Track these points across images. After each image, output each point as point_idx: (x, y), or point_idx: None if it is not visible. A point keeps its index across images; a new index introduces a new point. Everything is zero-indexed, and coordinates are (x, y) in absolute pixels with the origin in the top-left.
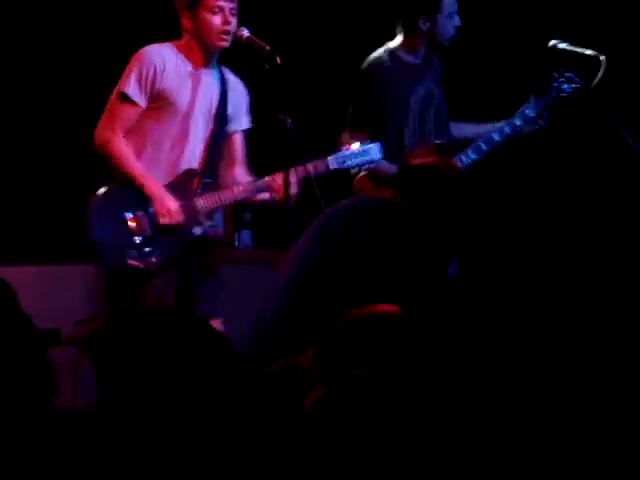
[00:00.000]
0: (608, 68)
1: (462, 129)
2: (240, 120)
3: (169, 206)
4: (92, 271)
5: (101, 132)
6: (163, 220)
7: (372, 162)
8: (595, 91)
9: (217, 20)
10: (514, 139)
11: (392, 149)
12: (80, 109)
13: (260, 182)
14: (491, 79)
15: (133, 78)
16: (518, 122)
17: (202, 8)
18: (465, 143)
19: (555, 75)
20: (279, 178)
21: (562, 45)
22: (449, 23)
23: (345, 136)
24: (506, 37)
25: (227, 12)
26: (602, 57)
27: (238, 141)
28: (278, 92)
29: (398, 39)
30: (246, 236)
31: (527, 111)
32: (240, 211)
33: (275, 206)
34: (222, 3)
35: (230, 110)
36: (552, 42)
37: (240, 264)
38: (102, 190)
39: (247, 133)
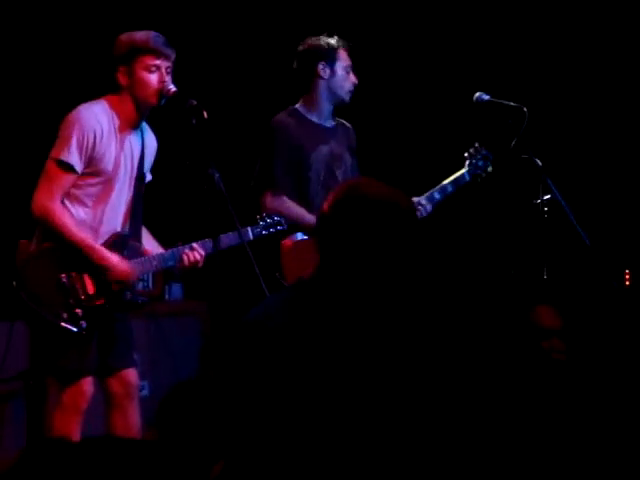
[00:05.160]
0: (531, 118)
1: None
2: (148, 174)
3: (115, 263)
4: (18, 328)
5: (41, 201)
6: (113, 277)
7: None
8: (519, 141)
9: (153, 79)
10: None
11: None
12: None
13: (177, 250)
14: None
15: (74, 145)
16: (437, 196)
17: (139, 66)
18: None
19: (471, 151)
20: (192, 253)
21: (486, 97)
22: (346, 76)
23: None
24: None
25: (163, 71)
26: (525, 109)
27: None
28: (205, 146)
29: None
30: (177, 289)
31: (448, 188)
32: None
33: (176, 272)
34: (159, 62)
35: (145, 167)
36: (476, 95)
37: (171, 317)
38: (37, 249)
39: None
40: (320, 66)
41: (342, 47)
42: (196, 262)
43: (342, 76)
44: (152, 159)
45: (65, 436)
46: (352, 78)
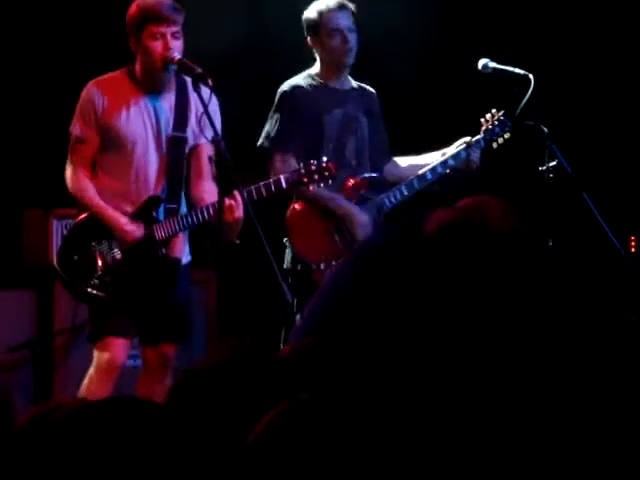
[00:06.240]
0: (537, 85)
1: (398, 168)
2: (203, 132)
3: (124, 227)
4: (28, 296)
5: (66, 176)
6: (123, 241)
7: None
8: (526, 108)
9: (158, 46)
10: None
11: None
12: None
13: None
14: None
15: (77, 118)
16: (451, 162)
17: (144, 35)
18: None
19: (487, 117)
20: (230, 200)
21: (492, 65)
22: (334, 40)
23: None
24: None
25: (168, 37)
26: (531, 75)
27: (201, 154)
28: (210, 114)
29: (316, 65)
30: None
31: (461, 153)
32: None
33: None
34: (164, 29)
35: (190, 126)
36: (481, 63)
37: None
38: (76, 219)
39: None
40: (309, 39)
41: (326, 13)
42: (234, 207)
43: (331, 44)
44: (207, 116)
45: (90, 395)
46: (340, 40)
